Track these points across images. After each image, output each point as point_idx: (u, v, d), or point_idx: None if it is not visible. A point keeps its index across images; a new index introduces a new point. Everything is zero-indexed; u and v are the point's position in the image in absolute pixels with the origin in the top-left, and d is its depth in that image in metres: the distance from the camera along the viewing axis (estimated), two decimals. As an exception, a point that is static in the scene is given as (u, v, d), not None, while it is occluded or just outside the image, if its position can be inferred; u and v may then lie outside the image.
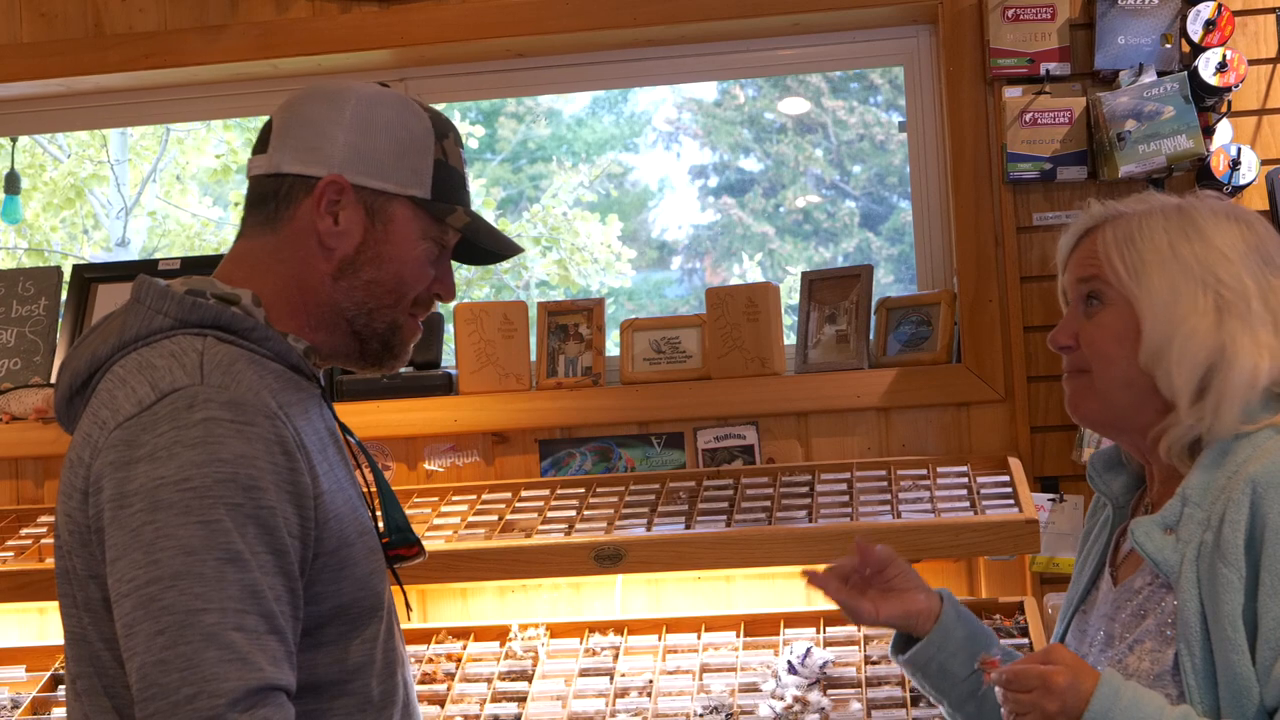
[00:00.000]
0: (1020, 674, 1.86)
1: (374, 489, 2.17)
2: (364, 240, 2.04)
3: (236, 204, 10.19)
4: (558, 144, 12.86)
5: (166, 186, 11.21)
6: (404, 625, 2.24)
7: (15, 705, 3.49)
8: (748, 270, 12.54)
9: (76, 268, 4.07)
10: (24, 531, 3.66)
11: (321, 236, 2.03)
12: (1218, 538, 1.88)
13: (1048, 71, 3.57)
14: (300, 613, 1.88)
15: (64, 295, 4.02)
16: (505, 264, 11.36)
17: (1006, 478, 3.36)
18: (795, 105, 12.47)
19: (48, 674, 3.51)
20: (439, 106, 4.37)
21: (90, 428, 1.91)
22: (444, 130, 2.11)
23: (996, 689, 1.92)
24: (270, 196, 2.06)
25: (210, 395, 1.85)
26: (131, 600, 1.77)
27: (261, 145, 2.10)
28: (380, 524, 2.15)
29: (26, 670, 3.60)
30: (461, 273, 10.62)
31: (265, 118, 2.16)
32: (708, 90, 12.87)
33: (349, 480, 2.07)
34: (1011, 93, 3.58)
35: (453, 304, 3.88)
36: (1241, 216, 2.08)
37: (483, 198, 11.22)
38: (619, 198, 12.46)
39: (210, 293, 2.00)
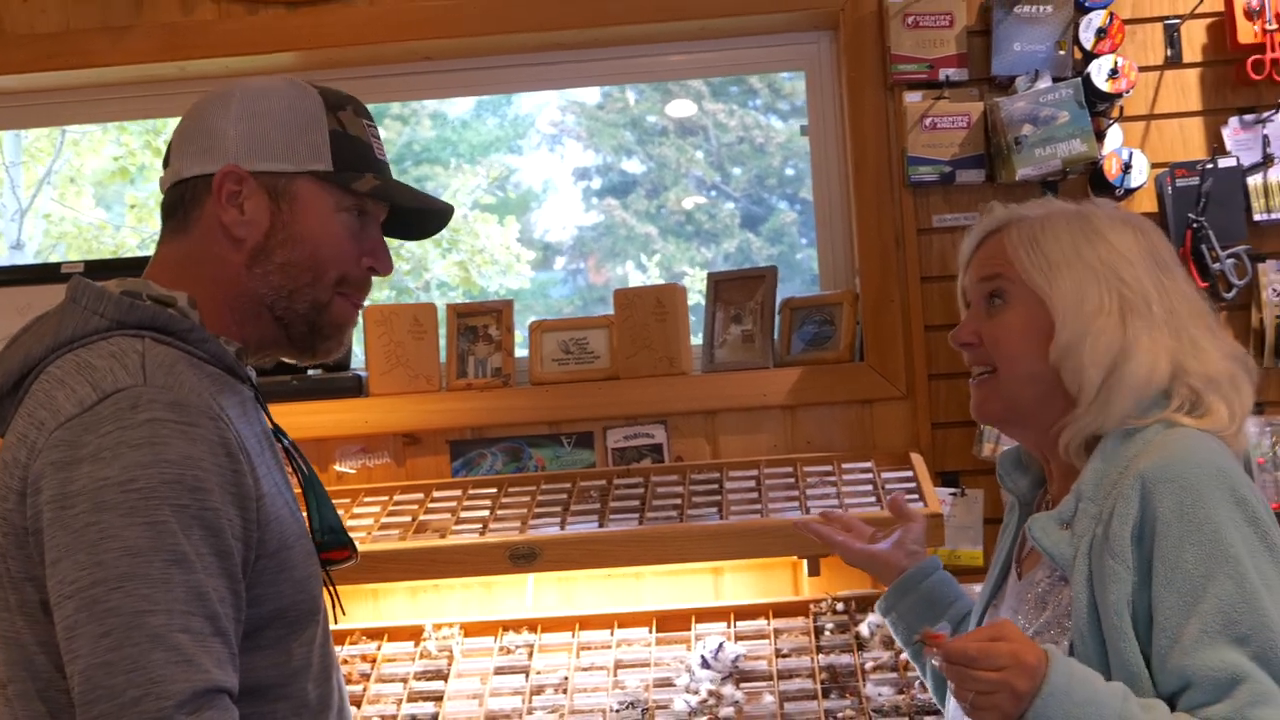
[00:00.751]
0: (989, 652, 1.80)
1: (303, 491, 2.14)
2: (272, 224, 1.99)
3: (134, 207, 9.97)
4: (443, 145, 12.75)
5: (61, 189, 10.94)
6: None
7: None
8: (629, 273, 12.53)
9: (-23, 270, 3.93)
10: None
11: (229, 228, 1.98)
12: (1107, 531, 1.90)
13: (947, 77, 3.58)
14: (242, 615, 1.83)
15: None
16: (406, 265, 11.30)
17: (910, 473, 3.36)
18: (682, 108, 12.48)
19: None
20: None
21: (26, 429, 1.85)
22: (339, 103, 2.05)
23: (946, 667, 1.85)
24: (178, 203, 2.02)
25: (154, 396, 1.80)
26: (74, 602, 1.72)
27: (166, 159, 2.07)
28: (312, 526, 2.10)
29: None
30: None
31: (173, 119, 2.11)
32: (591, 94, 12.85)
33: (285, 483, 2.02)
34: (911, 98, 3.59)
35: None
36: (1135, 222, 2.12)
37: (383, 200, 11.09)
38: (502, 200, 12.39)
39: (146, 294, 1.95)
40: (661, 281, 9.60)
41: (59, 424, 1.80)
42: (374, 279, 2.10)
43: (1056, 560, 1.97)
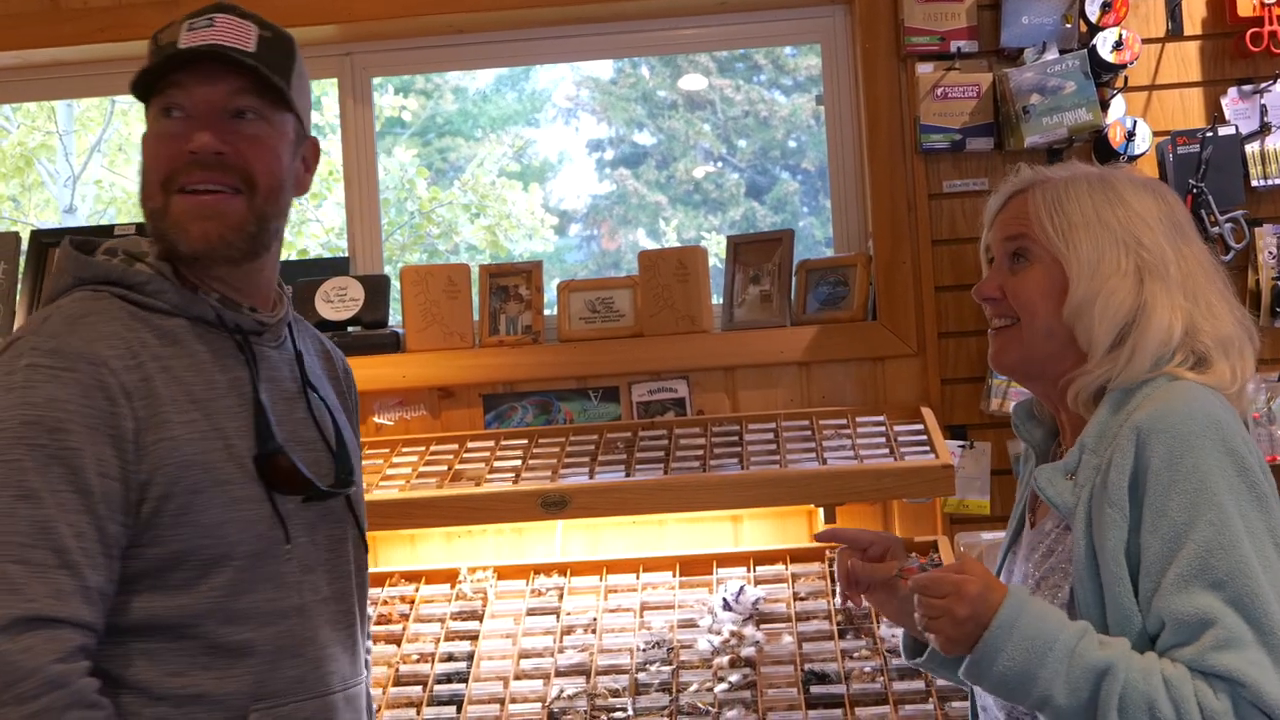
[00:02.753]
0: (935, 580, 1.83)
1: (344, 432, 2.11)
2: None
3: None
4: (464, 119, 12.70)
5: (111, 156, 10.87)
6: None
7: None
8: (640, 239, 12.50)
9: (34, 233, 3.88)
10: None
11: None
12: (1105, 480, 1.86)
13: (958, 49, 3.52)
14: (116, 551, 1.78)
15: (22, 260, 3.82)
16: (437, 230, 11.25)
17: (920, 426, 3.31)
18: (692, 83, 12.42)
19: None
20: (381, 80, 4.21)
21: None
22: (171, 25, 1.99)
23: (915, 597, 1.87)
24: None
25: (37, 344, 1.80)
26: None
27: None
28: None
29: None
30: (395, 238, 10.47)
31: None
32: (604, 69, 12.78)
33: (239, 429, 1.90)
34: (923, 69, 3.53)
35: (399, 267, 3.75)
36: (1156, 187, 2.07)
37: (415, 168, 11.03)
38: (520, 170, 12.34)
39: (124, 250, 1.93)
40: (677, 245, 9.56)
41: None
42: (228, 157, 1.91)
43: (1060, 509, 1.93)
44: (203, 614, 1.85)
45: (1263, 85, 3.45)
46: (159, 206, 1.91)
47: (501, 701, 3.02)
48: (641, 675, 3.04)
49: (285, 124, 1.98)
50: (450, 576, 3.48)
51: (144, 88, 1.95)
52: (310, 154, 2.07)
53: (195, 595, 1.84)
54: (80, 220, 10.23)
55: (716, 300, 3.76)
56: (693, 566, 3.45)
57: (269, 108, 1.94)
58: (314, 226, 10.43)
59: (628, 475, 3.18)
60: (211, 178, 1.89)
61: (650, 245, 11.99)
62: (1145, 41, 3.46)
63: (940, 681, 2.89)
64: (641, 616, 3.27)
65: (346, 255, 3.93)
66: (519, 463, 3.31)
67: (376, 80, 3.99)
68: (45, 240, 3.83)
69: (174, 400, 1.84)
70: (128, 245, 1.94)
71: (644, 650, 3.13)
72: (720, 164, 12.93)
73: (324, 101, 9.24)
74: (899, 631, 2.95)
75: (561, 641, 3.20)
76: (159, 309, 1.89)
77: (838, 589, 2.21)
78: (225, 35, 1.92)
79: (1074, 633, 1.78)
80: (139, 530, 1.81)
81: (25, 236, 3.89)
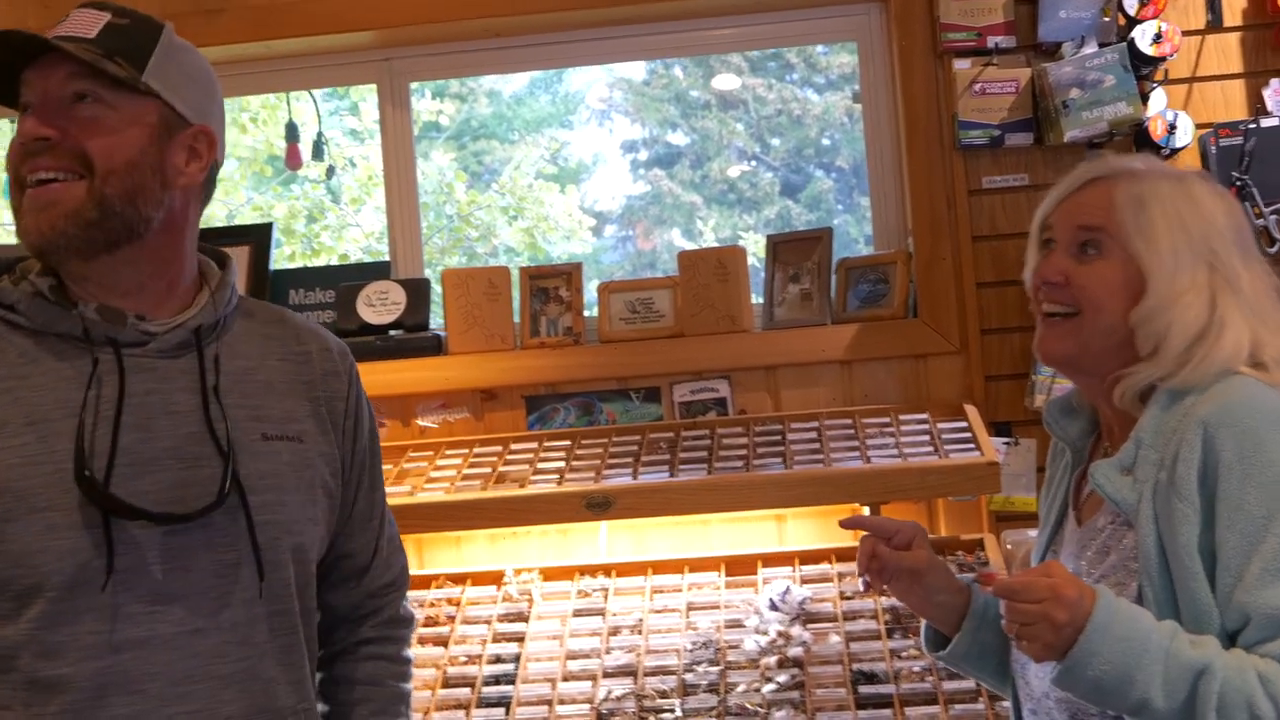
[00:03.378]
0: (1028, 585, 1.78)
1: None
2: None
3: (221, 180, 9.90)
4: (499, 122, 12.70)
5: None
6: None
7: None
8: (674, 239, 12.47)
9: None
10: None
11: None
12: (1172, 475, 1.83)
13: (995, 44, 3.49)
14: None
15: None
16: (475, 232, 11.27)
17: (964, 424, 3.29)
18: (725, 83, 12.39)
19: None
20: (417, 85, 4.21)
21: None
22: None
23: (1001, 603, 1.82)
24: None
25: None
26: None
27: None
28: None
29: None
30: (434, 241, 10.49)
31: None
32: (637, 70, 12.77)
33: (67, 454, 1.79)
34: (961, 65, 3.50)
35: (440, 270, 3.75)
36: (1225, 195, 2.03)
37: (453, 171, 11.04)
38: (556, 172, 12.35)
39: (20, 268, 1.90)
40: (713, 246, 9.52)
41: None
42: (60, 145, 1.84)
43: (1120, 506, 1.90)
44: (19, 646, 1.77)
45: (1305, 76, 3.41)
46: (15, 207, 1.85)
47: (549, 703, 3.00)
48: (689, 676, 3.03)
49: (137, 107, 1.86)
50: (496, 578, 3.48)
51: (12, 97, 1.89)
52: (201, 144, 1.94)
53: (14, 627, 1.77)
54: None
55: (756, 299, 3.74)
56: (738, 566, 3.43)
57: (111, 91, 1.84)
58: (354, 231, 10.46)
59: (671, 475, 3.16)
60: (45, 164, 1.82)
61: (685, 245, 11.97)
62: (1185, 33, 3.42)
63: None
64: (688, 617, 3.26)
65: (387, 259, 3.93)
66: (562, 464, 3.30)
67: (413, 85, 3.99)
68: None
69: (4, 424, 1.78)
70: (29, 264, 1.90)
71: (691, 651, 3.12)
72: (754, 163, 12.89)
73: (362, 107, 9.27)
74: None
75: (608, 642, 3.19)
76: (27, 328, 1.84)
77: (860, 578, 2.16)
78: (70, 26, 1.85)
79: (1166, 633, 1.76)
80: None
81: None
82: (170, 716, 1.80)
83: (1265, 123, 3.36)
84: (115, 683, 1.78)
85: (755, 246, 4.34)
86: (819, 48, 11.92)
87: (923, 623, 2.23)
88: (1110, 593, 1.78)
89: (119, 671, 1.78)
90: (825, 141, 12.78)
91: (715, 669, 3.04)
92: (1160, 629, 1.76)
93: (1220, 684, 1.71)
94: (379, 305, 3.69)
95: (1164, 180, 1.98)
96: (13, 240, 1.90)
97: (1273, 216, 3.32)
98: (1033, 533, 3.34)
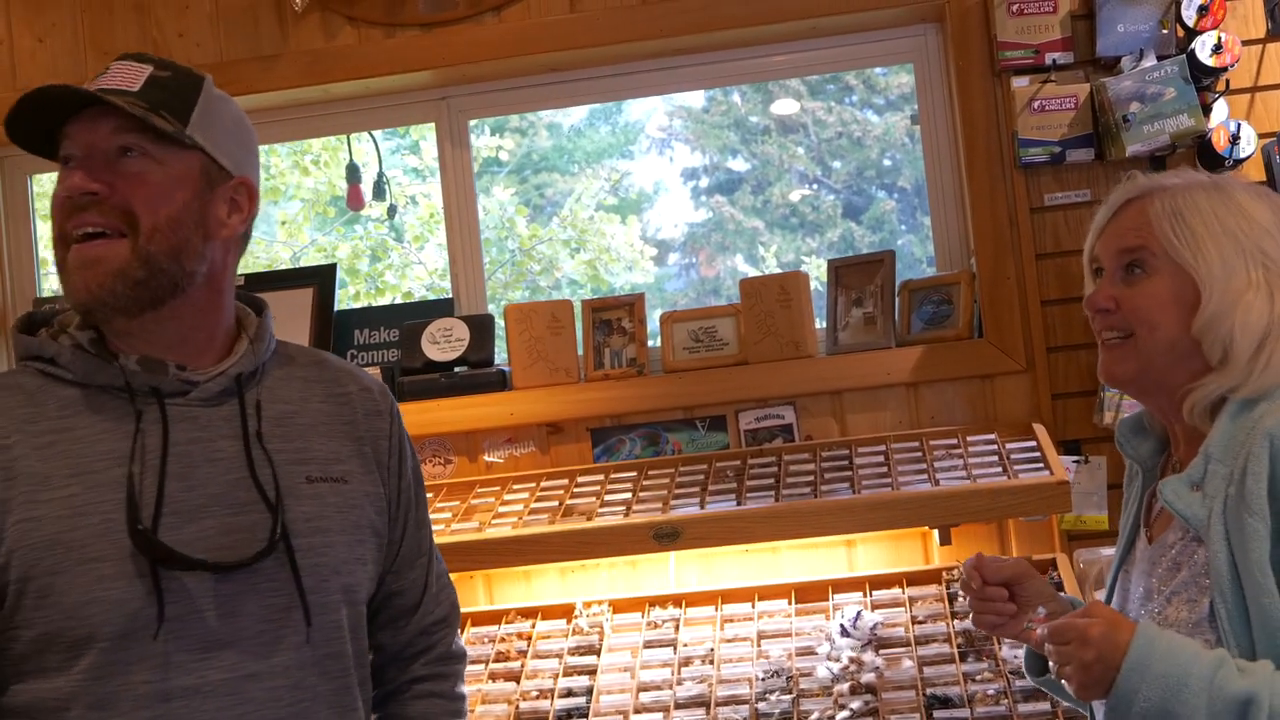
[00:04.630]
0: (1060, 628, 1.81)
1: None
2: None
3: (284, 223, 10.02)
4: (559, 154, 12.77)
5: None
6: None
7: None
8: (738, 265, 12.48)
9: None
10: None
11: None
12: (1241, 490, 1.81)
13: (1053, 61, 3.47)
14: None
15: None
16: (538, 266, 11.32)
17: (1033, 443, 3.26)
18: (784, 107, 12.39)
19: None
20: (476, 121, 4.23)
21: None
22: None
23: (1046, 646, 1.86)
24: None
25: None
26: None
27: None
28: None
29: None
30: (497, 276, 10.56)
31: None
32: (696, 98, 12.81)
33: (114, 505, 1.80)
34: (1019, 82, 3.48)
35: (503, 305, 3.77)
36: (1266, 194, 2.01)
37: (514, 206, 11.10)
38: (623, 201, 12.39)
39: (58, 322, 1.93)
40: (773, 272, 9.51)
41: None
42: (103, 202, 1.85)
43: (1190, 522, 1.88)
44: (71, 698, 1.77)
45: (1370, 81, 3.36)
46: (59, 262, 1.87)
47: (622, 735, 3.01)
48: (762, 705, 3.01)
49: (181, 161, 1.88)
50: (566, 611, 3.48)
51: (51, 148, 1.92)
52: (242, 196, 1.95)
53: (65, 678, 1.77)
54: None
55: (819, 324, 3.73)
56: (808, 593, 3.41)
57: (156, 145, 1.86)
58: (418, 269, 10.56)
59: (739, 504, 3.15)
60: (90, 219, 1.83)
61: (749, 270, 11.96)
62: (1245, 43, 3.38)
63: (1067, 702, 2.83)
64: (759, 645, 3.25)
65: (450, 296, 3.95)
66: (629, 495, 3.30)
67: (472, 122, 4.02)
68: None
69: (48, 477, 1.79)
70: (67, 317, 1.92)
71: (763, 680, 3.10)
72: (816, 186, 12.88)
73: (422, 145, 9.33)
74: (1021, 651, 2.91)
75: (679, 673, 3.18)
76: (68, 380, 1.86)
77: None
78: (113, 79, 1.87)
79: (1210, 663, 1.73)
80: (8, 614, 1.77)
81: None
82: None
83: (1330, 130, 3.32)
84: None
85: (818, 270, 4.33)
86: (877, 69, 11.90)
87: (1025, 647, 2.23)
88: (1153, 627, 1.78)
89: (170, 719, 1.79)
90: (886, 162, 12.75)
91: (788, 697, 3.02)
92: (1203, 659, 1.74)
93: (1270, 713, 1.69)
94: (443, 342, 3.71)
95: (1198, 190, 1.97)
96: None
97: (1341, 224, 3.27)
98: (1105, 551, 3.30)
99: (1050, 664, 1.84)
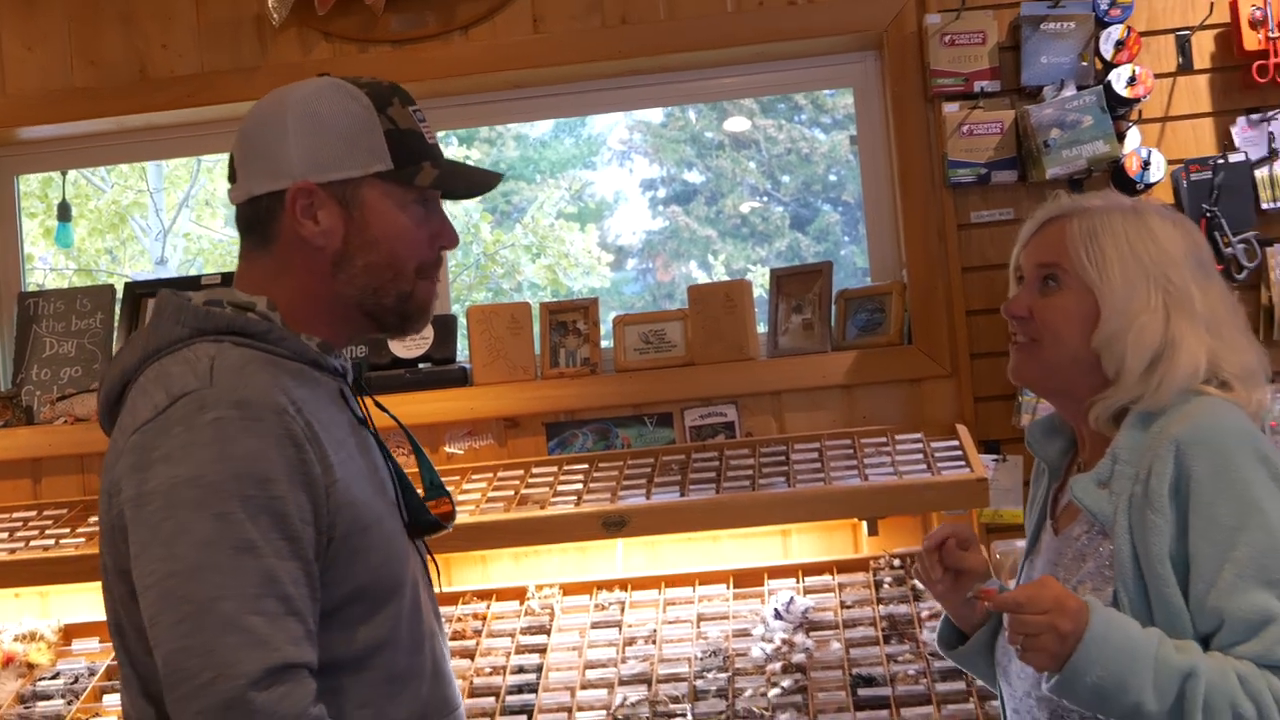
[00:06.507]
0: (1034, 598, 1.80)
1: (392, 473, 2.00)
2: (348, 231, 1.87)
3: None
4: (525, 164, 12.80)
5: (198, 211, 11.04)
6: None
7: (91, 673, 3.41)
8: (692, 271, 12.54)
9: (128, 285, 3.97)
10: (91, 519, 3.56)
11: (309, 240, 1.87)
12: (1146, 489, 1.88)
13: (981, 89, 3.54)
14: (318, 594, 1.74)
15: (117, 310, 3.92)
16: (501, 270, 11.33)
17: (956, 442, 3.33)
18: (737, 124, 12.46)
19: (120, 644, 3.42)
20: (444, 133, 4.26)
21: (116, 434, 1.80)
22: (385, 99, 1.91)
23: (1005, 616, 1.84)
24: (255, 221, 1.91)
25: (220, 396, 1.72)
26: (154, 592, 1.66)
27: (232, 176, 1.96)
28: (403, 504, 1.96)
29: (99, 642, 3.51)
30: (461, 279, 10.57)
31: None
32: (655, 114, 12.85)
33: (369, 468, 1.88)
34: (950, 108, 3.55)
35: (466, 306, 3.82)
36: (1183, 223, 2.07)
37: (479, 211, 11.09)
38: (582, 209, 12.42)
39: (227, 301, 1.86)
40: (724, 278, 9.56)
41: (135, 428, 1.74)
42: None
43: (1097, 516, 1.94)
44: (382, 644, 1.82)
45: (1270, 114, 3.45)
46: (409, 290, 1.92)
47: (569, 710, 3.06)
48: (699, 682, 3.08)
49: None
50: (519, 594, 3.53)
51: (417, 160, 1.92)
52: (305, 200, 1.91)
53: (374, 627, 1.81)
54: (171, 270, 10.41)
55: (762, 329, 3.80)
56: (745, 579, 3.48)
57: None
58: (385, 272, 10.52)
59: (683, 495, 3.20)
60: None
61: (701, 277, 12.02)
62: (1157, 76, 3.47)
63: (981, 682, 2.90)
64: (698, 627, 3.31)
65: (417, 297, 3.98)
66: (581, 486, 3.35)
67: (441, 133, 4.05)
68: (139, 291, 3.93)
69: (330, 442, 1.78)
70: (220, 295, 1.88)
71: (701, 659, 3.16)
72: (765, 199, 12.96)
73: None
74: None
75: (624, 652, 3.24)
76: (282, 355, 1.84)
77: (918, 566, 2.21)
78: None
79: (1154, 639, 1.79)
80: (324, 571, 1.76)
81: (119, 288, 3.99)
82: (453, 696, 1.96)
83: (1233, 158, 3.42)
84: (434, 668, 1.91)
85: (762, 279, 4.38)
86: (827, 91, 11.99)
87: (942, 619, 2.28)
88: (1099, 603, 1.82)
89: (434, 657, 1.92)
90: (832, 178, 12.85)
91: (724, 675, 3.09)
92: (1148, 636, 1.80)
93: (1206, 686, 1.75)
94: (408, 341, 3.75)
95: (1117, 213, 2.03)
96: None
97: (1240, 246, 3.37)
98: (1020, 542, 3.37)
99: (1008, 635, 1.83)
